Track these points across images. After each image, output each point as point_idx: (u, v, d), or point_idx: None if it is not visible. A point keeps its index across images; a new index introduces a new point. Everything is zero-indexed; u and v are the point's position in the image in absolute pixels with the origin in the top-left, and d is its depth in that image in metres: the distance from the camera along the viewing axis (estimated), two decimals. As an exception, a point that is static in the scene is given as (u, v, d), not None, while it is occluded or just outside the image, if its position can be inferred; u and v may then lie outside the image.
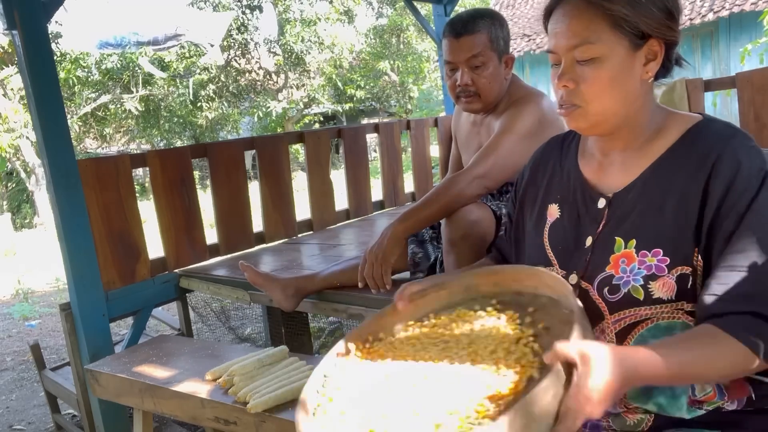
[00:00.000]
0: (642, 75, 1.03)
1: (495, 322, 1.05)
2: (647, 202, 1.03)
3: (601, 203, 1.09)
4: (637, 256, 1.01)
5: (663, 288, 0.99)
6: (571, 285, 1.08)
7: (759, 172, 0.95)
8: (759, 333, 0.89)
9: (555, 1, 1.06)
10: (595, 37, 1.00)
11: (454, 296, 1.18)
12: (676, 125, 1.06)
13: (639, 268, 1.01)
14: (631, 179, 1.07)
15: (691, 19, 10.12)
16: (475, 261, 1.72)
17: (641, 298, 1.00)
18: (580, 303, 0.94)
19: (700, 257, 0.98)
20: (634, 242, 1.03)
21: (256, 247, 3.25)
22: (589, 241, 1.09)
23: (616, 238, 1.05)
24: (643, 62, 1.02)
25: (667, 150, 1.05)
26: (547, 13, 1.08)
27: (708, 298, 0.94)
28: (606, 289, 1.04)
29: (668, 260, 0.99)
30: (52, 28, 9.86)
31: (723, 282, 0.93)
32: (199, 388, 1.76)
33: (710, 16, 9.93)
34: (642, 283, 1.00)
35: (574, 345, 0.80)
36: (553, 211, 1.18)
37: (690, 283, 0.98)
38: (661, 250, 1.00)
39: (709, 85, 3.26)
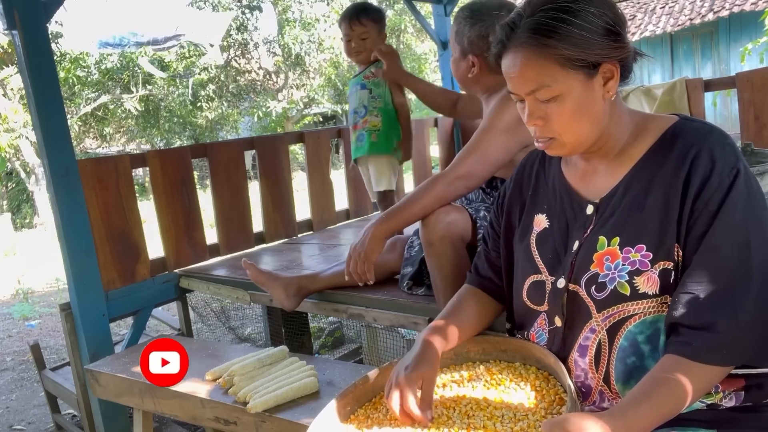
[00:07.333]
0: (604, 95, 1.06)
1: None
2: (630, 201, 1.07)
3: (590, 209, 1.13)
4: (621, 252, 1.05)
5: (647, 283, 1.02)
6: (559, 288, 1.12)
7: (731, 170, 0.99)
8: (716, 347, 0.94)
9: (501, 48, 1.08)
10: (550, 79, 1.03)
11: (445, 362, 1.29)
12: (654, 128, 1.10)
13: (623, 264, 1.04)
14: (615, 183, 1.11)
15: (691, 19, 10.12)
16: (457, 261, 1.75)
17: (627, 293, 1.03)
18: (569, 379, 1.04)
19: (680, 252, 1.01)
20: (617, 240, 1.06)
21: (256, 247, 3.25)
22: (576, 245, 1.12)
23: (600, 237, 1.08)
24: (602, 83, 1.05)
25: (647, 152, 1.08)
26: (497, 56, 1.11)
27: (678, 303, 0.98)
28: (593, 288, 1.07)
29: (651, 255, 1.02)
30: (52, 28, 9.85)
31: (696, 280, 0.97)
32: (199, 388, 1.76)
33: (710, 16, 9.94)
34: (627, 278, 1.03)
35: (562, 421, 0.85)
36: (541, 221, 1.22)
37: (672, 277, 1.01)
38: (644, 246, 1.03)
39: (709, 85, 3.27)
